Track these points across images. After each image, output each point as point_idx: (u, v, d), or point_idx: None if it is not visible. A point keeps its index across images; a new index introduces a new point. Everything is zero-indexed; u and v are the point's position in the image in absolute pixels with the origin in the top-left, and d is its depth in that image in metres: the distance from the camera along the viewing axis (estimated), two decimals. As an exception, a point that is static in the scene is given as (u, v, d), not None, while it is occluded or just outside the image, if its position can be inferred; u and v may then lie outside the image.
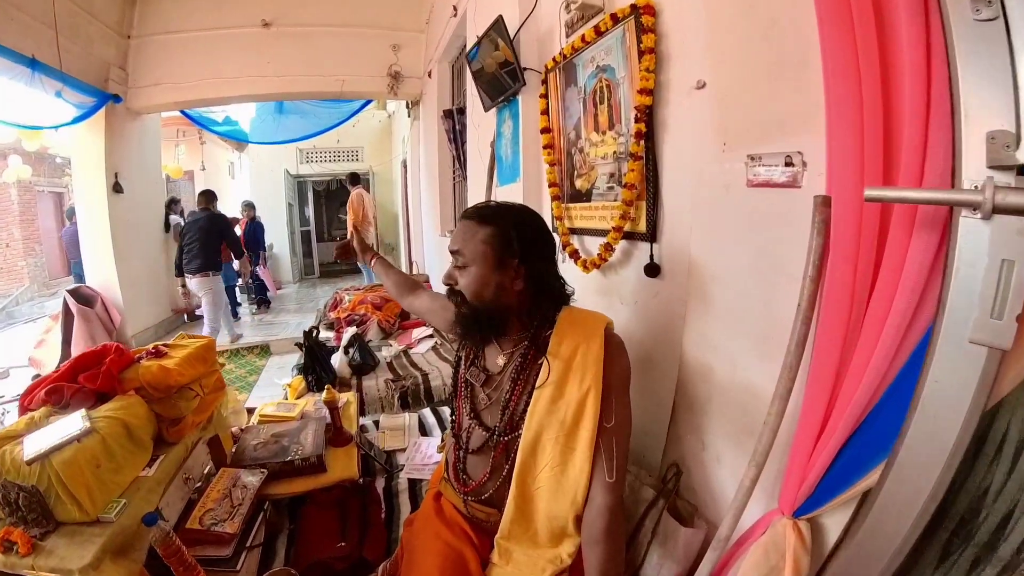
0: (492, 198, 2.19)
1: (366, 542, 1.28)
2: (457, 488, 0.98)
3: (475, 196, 2.69)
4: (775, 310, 0.79)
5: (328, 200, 7.99)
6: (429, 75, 4.08)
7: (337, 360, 2.43)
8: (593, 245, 1.41)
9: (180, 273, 4.12)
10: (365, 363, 2.49)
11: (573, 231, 1.47)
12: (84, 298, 3.74)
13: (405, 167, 6.86)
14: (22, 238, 8.77)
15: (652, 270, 1.15)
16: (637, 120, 1.10)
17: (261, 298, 5.91)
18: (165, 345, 1.43)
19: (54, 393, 1.25)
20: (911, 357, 0.55)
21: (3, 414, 2.63)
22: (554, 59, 1.48)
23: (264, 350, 4.35)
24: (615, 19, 1.16)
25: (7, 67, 2.81)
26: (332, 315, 3.65)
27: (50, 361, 3.62)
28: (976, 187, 0.47)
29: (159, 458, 1.27)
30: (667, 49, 1.07)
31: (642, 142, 1.10)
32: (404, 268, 7.36)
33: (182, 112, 4.78)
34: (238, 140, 6.10)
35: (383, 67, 4.41)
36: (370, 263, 1.39)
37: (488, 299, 0.86)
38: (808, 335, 0.67)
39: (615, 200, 1.26)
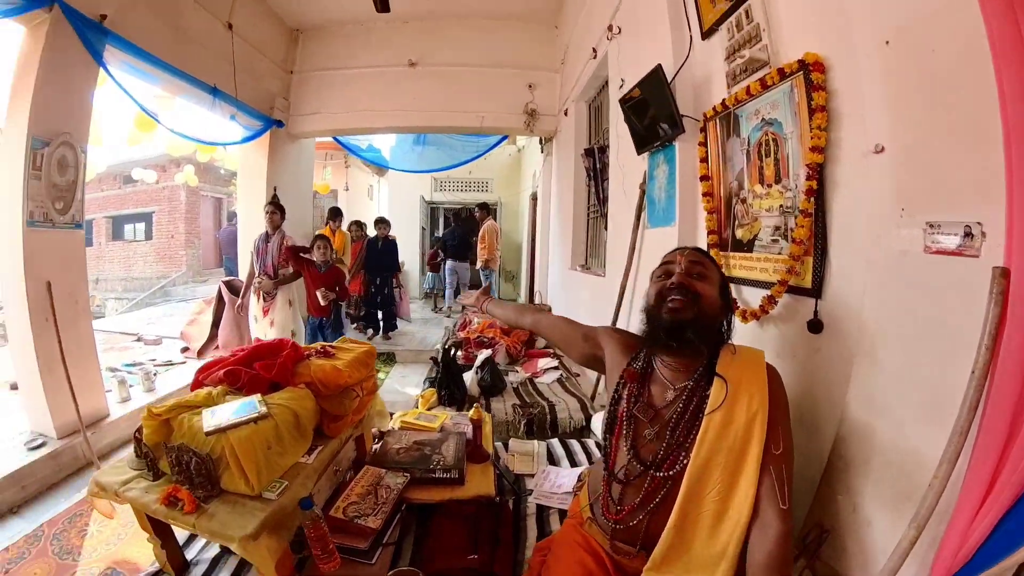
0: (639, 239, 2.44)
1: (495, 559, 1.37)
2: (605, 518, 1.13)
3: (618, 235, 2.94)
4: (948, 377, 0.87)
5: (456, 225, 9.09)
6: (565, 113, 4.55)
7: (469, 379, 2.82)
8: (751, 295, 1.55)
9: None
10: (494, 385, 2.86)
11: (731, 279, 1.62)
12: (235, 290, 4.52)
13: (534, 200, 7.48)
14: (184, 232, 11.82)
15: (815, 326, 1.26)
16: (808, 178, 1.25)
17: (388, 324, 5.79)
18: (332, 346, 1.81)
19: (232, 375, 1.55)
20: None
21: (155, 375, 3.54)
22: (714, 108, 1.68)
23: (390, 358, 5.03)
24: (782, 74, 1.33)
25: (194, 93, 3.76)
26: (461, 335, 4.18)
27: (199, 337, 4.52)
28: None
29: (317, 449, 1.49)
30: (838, 107, 1.21)
31: (812, 199, 1.25)
32: (524, 298, 7.87)
33: (334, 139, 5.93)
34: (380, 166, 7.31)
35: (520, 104, 5.04)
36: (482, 308, 1.66)
37: (709, 313, 1.07)
38: (979, 402, 0.77)
39: (779, 253, 1.41)
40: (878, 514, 1.03)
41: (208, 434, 1.28)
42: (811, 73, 1.24)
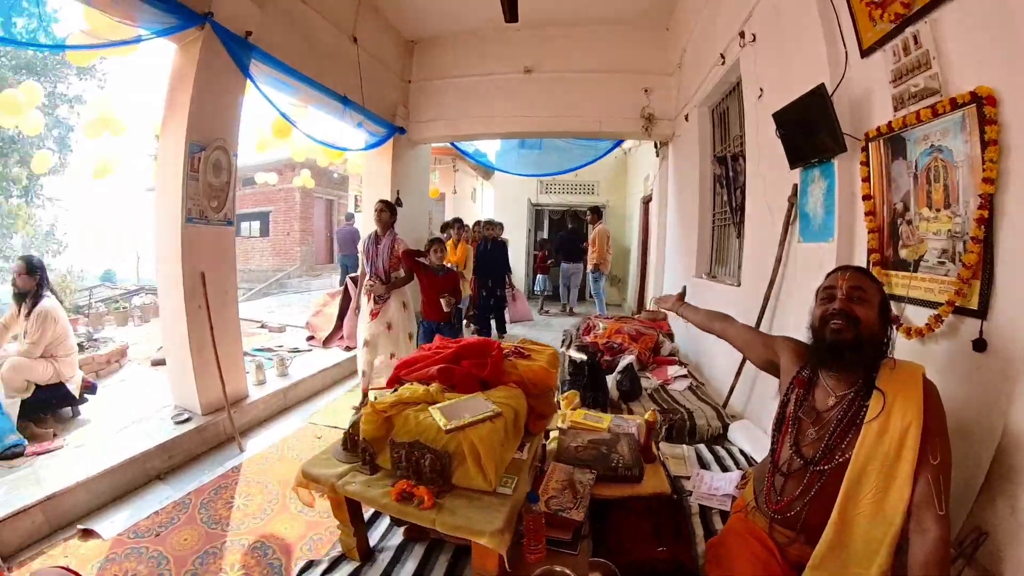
0: (785, 252, 2.56)
1: (680, 550, 1.54)
2: (766, 508, 1.32)
3: (757, 246, 3.05)
4: None
5: (560, 228, 9.46)
6: (686, 118, 4.64)
7: (611, 383, 3.11)
8: (914, 313, 1.66)
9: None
10: (632, 391, 3.11)
11: (892, 297, 1.74)
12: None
13: (646, 204, 7.58)
14: (299, 230, 13.53)
15: (980, 345, 1.38)
16: (980, 207, 1.38)
17: (500, 328, 6.05)
18: (523, 348, 2.11)
19: (446, 373, 1.75)
20: None
21: (289, 362, 4.03)
22: (878, 129, 1.80)
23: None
24: (954, 104, 1.45)
25: (326, 103, 4.25)
26: (587, 339, 4.43)
27: (324, 328, 5.04)
28: None
29: (526, 445, 1.65)
30: (1008, 140, 1.33)
31: (982, 227, 1.37)
32: (632, 302, 7.95)
33: (452, 144, 6.56)
34: (500, 171, 7.84)
35: (636, 108, 5.22)
36: (678, 311, 1.94)
37: (868, 334, 1.24)
38: None
39: (946, 275, 1.53)
40: None
41: (449, 431, 1.39)
42: (984, 106, 1.36)
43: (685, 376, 3.58)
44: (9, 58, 9.60)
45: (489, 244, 5.89)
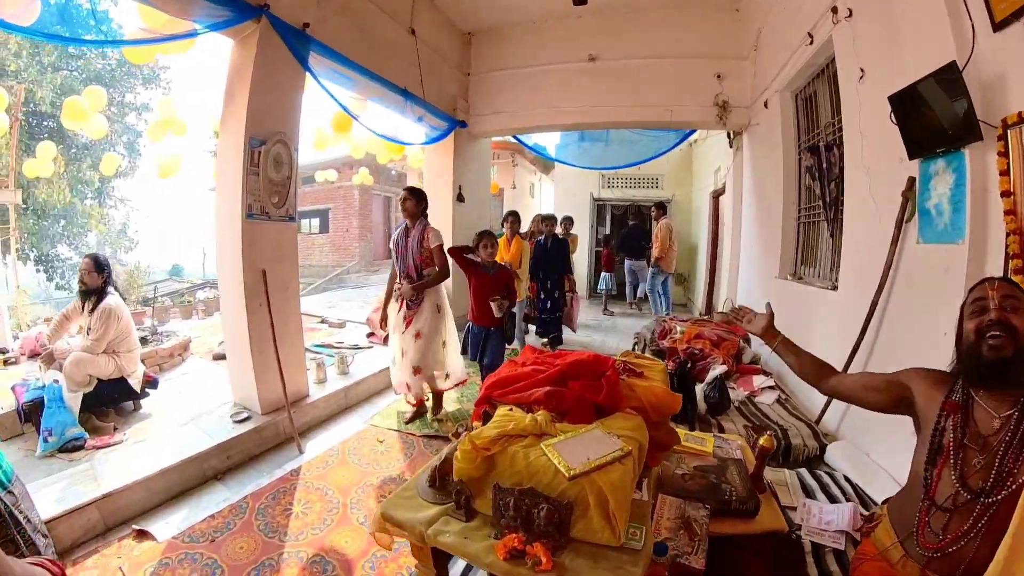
0: (898, 253, 2.36)
1: None
2: (920, 550, 1.23)
3: (860, 243, 2.84)
4: None
5: (623, 223, 9.31)
6: (765, 105, 4.37)
7: (699, 395, 2.97)
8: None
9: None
10: (721, 404, 2.97)
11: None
12: None
13: (716, 199, 7.26)
14: (358, 227, 14.10)
15: None
16: None
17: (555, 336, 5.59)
18: (632, 363, 1.88)
19: (555, 398, 1.54)
20: None
21: (351, 360, 4.03)
22: (1019, 115, 1.61)
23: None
24: None
25: (386, 96, 4.28)
26: (664, 343, 4.29)
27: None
28: None
29: (643, 481, 1.46)
30: None
31: None
32: (700, 303, 7.66)
33: (514, 137, 6.54)
34: (554, 161, 7.82)
35: (708, 96, 5.01)
36: (774, 344, 1.72)
37: None
38: None
39: None
40: None
41: (573, 478, 1.20)
42: None
43: (772, 387, 3.39)
44: (80, 72, 10.53)
45: (549, 241, 5.51)
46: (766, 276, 4.53)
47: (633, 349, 5.27)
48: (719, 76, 4.88)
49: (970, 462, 1.18)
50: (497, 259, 3.57)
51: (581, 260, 8.75)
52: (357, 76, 3.91)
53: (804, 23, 3.29)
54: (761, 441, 1.85)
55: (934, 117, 1.91)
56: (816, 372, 1.58)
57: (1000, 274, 1.72)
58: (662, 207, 7.06)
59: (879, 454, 2.37)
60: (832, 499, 2.09)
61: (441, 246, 3.22)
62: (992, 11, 1.70)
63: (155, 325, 5.16)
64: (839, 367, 2.68)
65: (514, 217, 5.18)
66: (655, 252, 6.90)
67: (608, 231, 9.36)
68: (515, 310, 4.65)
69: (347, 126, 4.92)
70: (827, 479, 2.27)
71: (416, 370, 3.30)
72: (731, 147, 5.62)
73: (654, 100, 5.09)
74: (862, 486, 2.20)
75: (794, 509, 1.97)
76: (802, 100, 3.96)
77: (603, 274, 8.10)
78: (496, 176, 9.58)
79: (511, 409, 1.56)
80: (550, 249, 5.47)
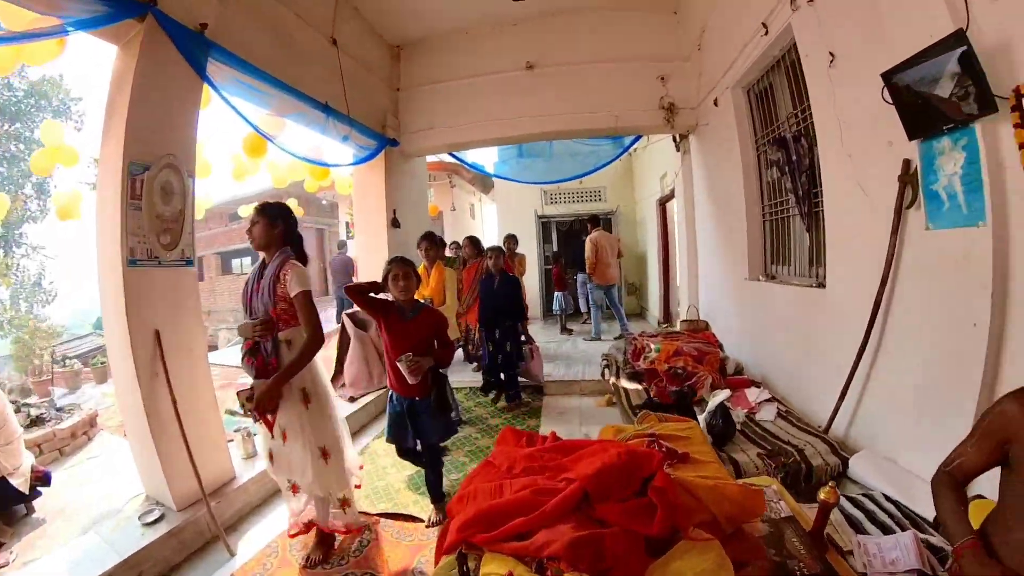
0: (899, 241, 2.27)
1: None
2: None
3: (848, 235, 2.78)
4: None
5: (569, 239, 9.28)
6: (715, 103, 4.41)
7: (702, 423, 2.74)
8: None
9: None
10: (727, 431, 2.76)
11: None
12: (360, 323, 4.76)
13: (663, 206, 7.36)
14: None
15: None
16: None
17: (510, 392, 4.70)
18: (663, 440, 1.53)
19: (586, 547, 1.07)
20: None
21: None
22: None
23: (534, 412, 4.62)
24: None
25: (305, 113, 3.91)
26: (640, 365, 4.03)
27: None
28: None
29: None
30: None
31: None
32: (658, 313, 7.67)
33: (451, 155, 6.24)
34: (496, 178, 7.61)
35: (654, 100, 5.03)
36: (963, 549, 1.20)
37: None
38: None
39: None
40: None
41: None
42: None
43: (770, 400, 3.25)
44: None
45: (496, 280, 4.50)
46: (734, 279, 4.51)
47: (603, 375, 4.99)
48: (663, 79, 4.93)
49: None
50: (418, 296, 2.78)
51: (531, 281, 8.58)
52: (270, 89, 3.50)
53: (757, 14, 3.29)
54: (822, 495, 1.51)
55: (938, 92, 1.83)
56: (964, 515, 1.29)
57: None
58: (595, 221, 7.06)
59: (908, 460, 2.23)
60: (884, 529, 1.89)
61: (307, 293, 2.17)
62: None
63: (52, 401, 4.48)
64: (844, 366, 2.64)
65: (429, 241, 4.44)
66: (589, 268, 6.91)
67: (556, 248, 9.31)
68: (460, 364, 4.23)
69: (261, 149, 4.46)
70: (869, 504, 2.07)
71: (295, 487, 2.40)
72: (678, 151, 5.67)
73: (598, 106, 5.04)
74: (907, 504, 2.02)
75: (850, 553, 1.74)
76: (755, 95, 4.00)
77: (556, 294, 7.94)
78: (433, 198, 9.30)
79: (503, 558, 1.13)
80: (498, 290, 4.48)
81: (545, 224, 9.30)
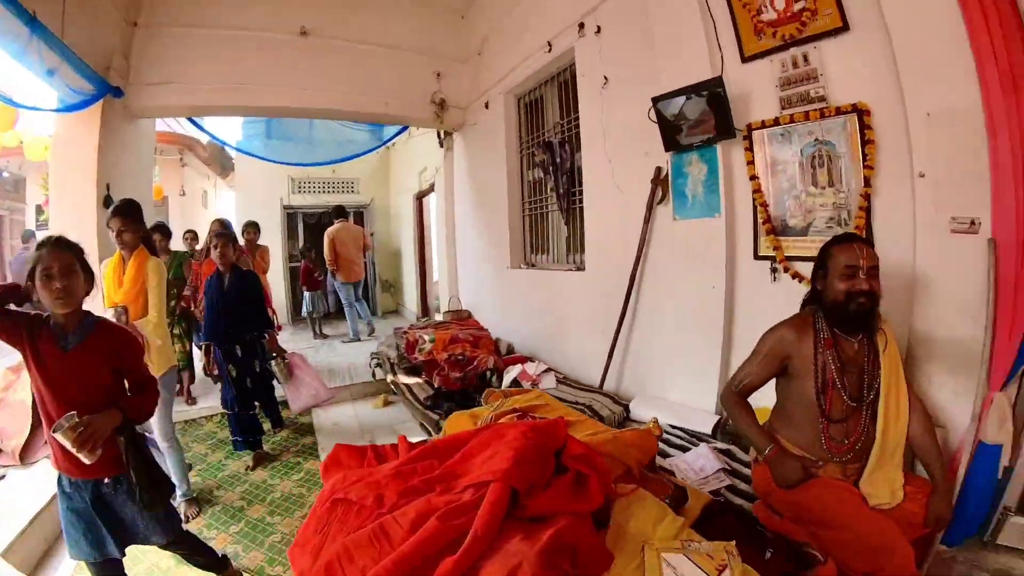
0: (651, 229, 3.03)
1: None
2: (832, 453, 1.63)
3: (605, 227, 3.50)
4: (970, 292, 1.78)
5: (318, 232, 8.58)
6: (486, 106, 4.94)
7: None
8: (804, 267, 2.26)
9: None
10: None
11: (790, 258, 2.34)
12: None
13: (419, 200, 7.63)
14: None
15: None
16: (865, 186, 2.06)
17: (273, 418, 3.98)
18: (533, 412, 1.78)
19: (559, 553, 1.06)
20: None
21: None
22: (763, 122, 2.38)
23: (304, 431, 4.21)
24: (839, 111, 2.10)
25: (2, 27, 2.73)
26: (418, 358, 4.10)
27: (16, 430, 3.21)
28: None
29: None
30: (879, 141, 2.03)
31: (866, 199, 2.05)
32: (416, 309, 7.91)
33: (191, 121, 5.20)
34: (245, 154, 6.57)
35: (426, 93, 5.24)
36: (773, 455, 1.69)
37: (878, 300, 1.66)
38: (992, 300, 1.70)
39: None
40: (949, 379, 1.89)
41: None
42: (864, 116, 2.04)
43: (548, 370, 3.75)
44: None
45: (227, 280, 3.41)
46: (497, 269, 5.06)
47: (374, 375, 4.96)
48: (439, 75, 5.17)
49: (850, 380, 1.65)
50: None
51: (275, 280, 7.64)
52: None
53: (544, 33, 3.85)
54: (649, 425, 2.01)
55: (693, 119, 2.57)
56: (759, 426, 1.80)
57: (751, 235, 2.49)
58: (340, 212, 6.90)
59: (674, 395, 2.93)
60: (681, 449, 2.41)
61: None
62: (743, 48, 2.45)
63: None
64: (608, 332, 3.34)
65: (125, 216, 2.65)
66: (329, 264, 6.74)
67: (302, 243, 8.53)
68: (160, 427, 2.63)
69: None
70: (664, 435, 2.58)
71: None
72: (442, 147, 6.03)
73: (371, 90, 4.93)
74: (686, 427, 2.65)
75: (672, 473, 2.18)
76: (525, 103, 4.62)
77: (306, 294, 7.22)
78: (159, 178, 7.38)
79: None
80: (230, 292, 3.38)
81: (291, 216, 8.46)
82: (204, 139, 5.99)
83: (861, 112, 2.03)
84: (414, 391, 3.79)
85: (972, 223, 1.78)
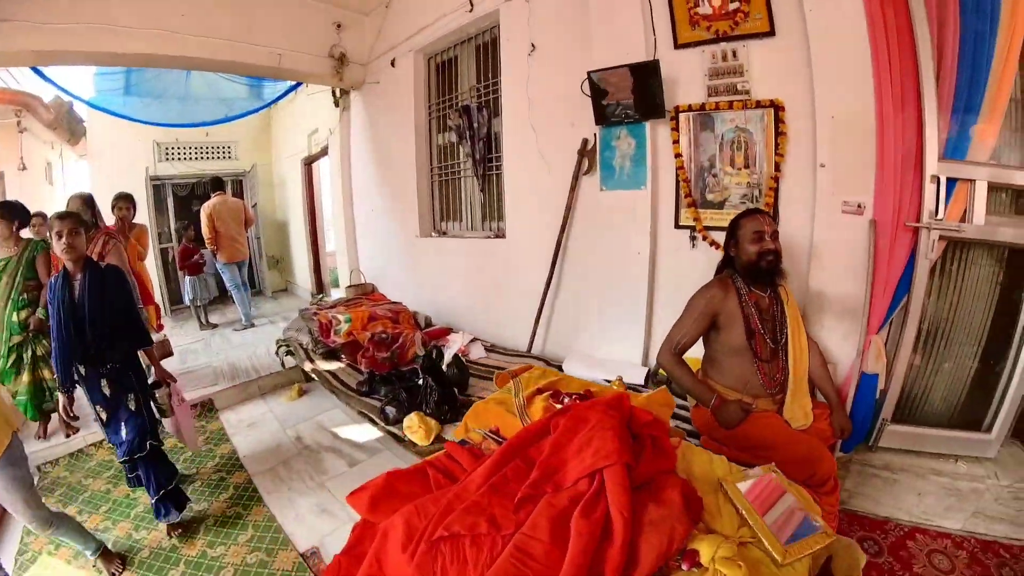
0: (577, 199, 3.25)
1: None
2: (766, 388, 2.00)
3: (526, 194, 3.65)
4: (857, 258, 2.32)
5: (190, 206, 7.58)
6: (392, 64, 4.76)
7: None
8: (720, 236, 2.60)
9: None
10: (463, 377, 3.10)
11: (707, 228, 2.70)
12: None
13: (308, 166, 7.14)
14: None
15: None
16: (776, 169, 2.47)
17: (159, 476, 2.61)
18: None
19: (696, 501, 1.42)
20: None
21: None
22: (689, 106, 2.68)
23: (208, 411, 4.12)
24: (758, 104, 2.48)
25: None
26: (336, 340, 3.88)
27: None
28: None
29: None
30: (790, 132, 2.45)
31: (776, 181, 2.49)
32: (310, 286, 7.51)
33: (34, 70, 4.21)
34: (102, 110, 5.54)
35: (324, 47, 4.89)
36: (717, 404, 1.99)
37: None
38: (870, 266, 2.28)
39: None
40: (837, 325, 2.42)
41: None
42: (780, 112, 2.44)
43: (474, 339, 3.90)
44: None
45: (82, 279, 2.42)
46: (405, 238, 5.00)
47: (283, 364, 4.54)
48: (339, 26, 4.82)
49: (767, 326, 2.04)
50: None
51: (147, 264, 6.60)
52: None
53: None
54: (616, 387, 2.31)
55: (624, 96, 2.79)
56: (695, 375, 2.12)
57: (673, 207, 2.80)
58: (218, 183, 6.31)
59: (601, 351, 3.22)
60: None
61: None
62: (676, 35, 2.70)
63: None
64: (533, 296, 3.59)
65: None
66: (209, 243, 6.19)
67: (174, 219, 7.46)
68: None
69: None
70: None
71: None
72: (337, 106, 5.71)
73: (262, 39, 4.45)
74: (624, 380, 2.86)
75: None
76: (436, 63, 4.54)
77: (186, 279, 6.40)
78: None
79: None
80: (83, 298, 2.39)
81: (159, 188, 7.29)
82: (47, 96, 4.93)
83: (777, 108, 2.44)
84: (340, 378, 3.60)
85: (859, 206, 2.29)
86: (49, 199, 6.57)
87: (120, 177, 6.30)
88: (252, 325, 6.31)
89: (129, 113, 5.34)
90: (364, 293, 5.37)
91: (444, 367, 3.10)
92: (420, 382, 2.91)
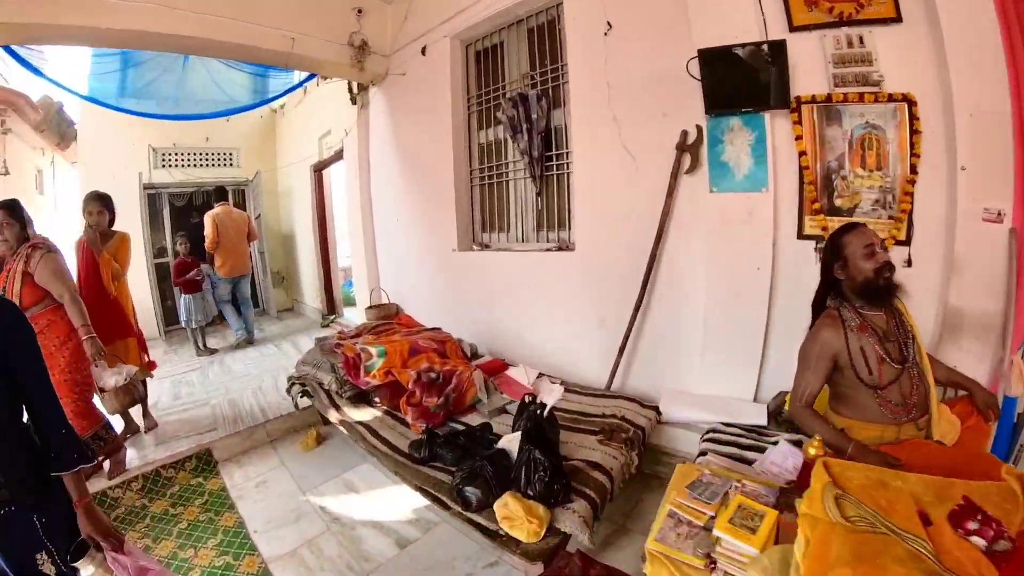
0: (675, 203, 3.17)
1: None
2: (897, 416, 1.98)
3: (612, 198, 3.53)
4: (997, 268, 2.35)
5: (187, 218, 7.58)
6: (423, 52, 4.72)
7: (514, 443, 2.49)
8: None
9: None
10: (556, 436, 2.60)
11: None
12: None
13: (318, 172, 7.15)
14: None
15: (909, 262, 2.51)
16: (912, 172, 2.48)
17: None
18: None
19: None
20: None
21: None
22: (813, 97, 2.64)
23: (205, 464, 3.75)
24: (891, 98, 2.47)
25: None
26: (370, 382, 3.52)
27: None
28: None
29: None
30: (925, 131, 2.45)
31: (912, 185, 2.47)
32: (321, 304, 7.50)
33: (5, 48, 3.90)
34: (93, 102, 5.41)
35: (343, 33, 4.86)
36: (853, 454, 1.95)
37: None
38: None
39: (879, 218, 2.56)
40: (975, 345, 2.45)
41: None
42: (913, 107, 2.46)
43: (539, 375, 3.68)
44: None
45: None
46: (439, 252, 4.93)
47: (296, 405, 4.11)
48: (359, 11, 4.83)
49: (892, 348, 2.04)
50: None
51: (139, 282, 6.61)
52: None
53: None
54: (812, 451, 2.06)
55: (744, 81, 2.71)
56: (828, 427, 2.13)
57: (796, 213, 2.77)
58: (222, 193, 6.52)
59: (700, 388, 3.11)
60: (754, 449, 2.49)
61: None
62: (791, 16, 2.67)
63: None
64: (612, 318, 3.52)
65: None
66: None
67: (170, 232, 7.44)
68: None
69: None
70: (725, 438, 2.61)
71: None
72: (354, 104, 5.68)
73: (271, 20, 4.37)
74: (738, 421, 2.74)
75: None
76: (476, 51, 4.50)
77: (183, 297, 6.32)
78: None
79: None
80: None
81: (154, 198, 7.33)
82: (35, 95, 4.96)
83: (910, 102, 2.44)
84: (381, 434, 3.18)
85: (999, 214, 2.34)
86: (40, 209, 6.60)
87: (111, 184, 6.25)
88: (251, 343, 6.43)
89: (124, 105, 5.34)
90: (388, 315, 5.29)
91: (526, 422, 2.53)
92: (498, 443, 2.56)
